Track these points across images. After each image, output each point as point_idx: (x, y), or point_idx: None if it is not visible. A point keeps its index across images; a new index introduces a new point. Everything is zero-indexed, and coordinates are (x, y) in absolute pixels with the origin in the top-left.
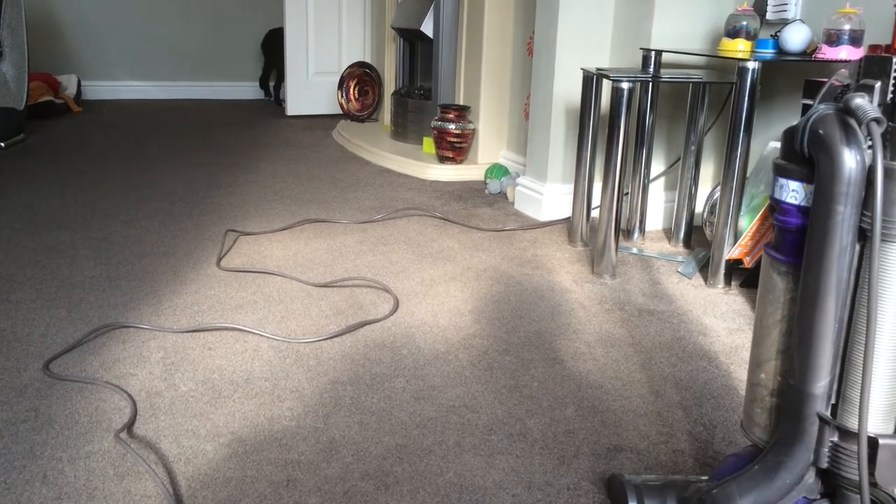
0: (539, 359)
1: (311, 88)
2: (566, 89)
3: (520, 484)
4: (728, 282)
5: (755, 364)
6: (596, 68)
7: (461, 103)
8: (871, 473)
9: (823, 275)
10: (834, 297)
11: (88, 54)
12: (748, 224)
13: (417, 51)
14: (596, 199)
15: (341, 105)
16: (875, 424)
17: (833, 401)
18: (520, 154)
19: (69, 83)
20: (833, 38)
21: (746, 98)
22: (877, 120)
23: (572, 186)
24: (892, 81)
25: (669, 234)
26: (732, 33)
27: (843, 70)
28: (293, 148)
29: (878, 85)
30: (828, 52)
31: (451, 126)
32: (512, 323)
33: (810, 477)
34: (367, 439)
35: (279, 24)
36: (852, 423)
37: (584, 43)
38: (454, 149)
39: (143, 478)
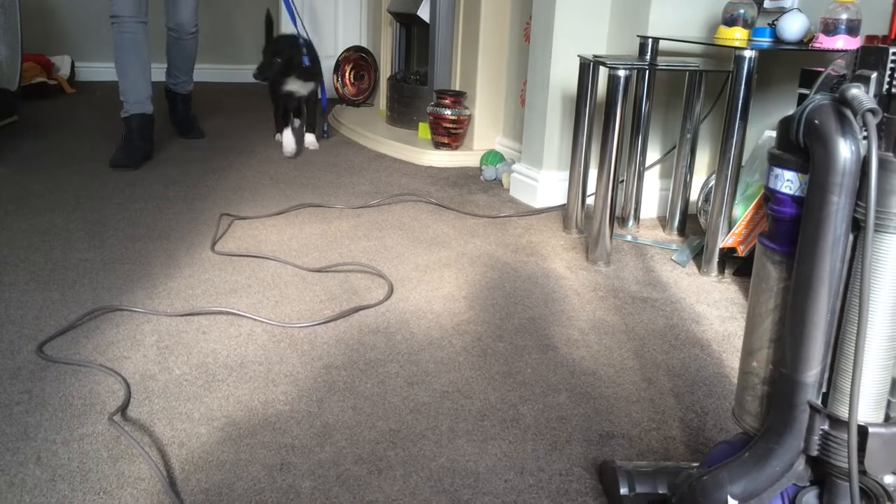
0: (532, 345)
1: None
2: (563, 76)
3: (512, 469)
4: (722, 270)
5: (747, 352)
6: (593, 55)
7: (457, 89)
8: (861, 461)
9: (817, 264)
10: (827, 286)
11: (82, 35)
12: (743, 213)
13: (414, 35)
14: (591, 187)
15: (337, 90)
16: (865, 413)
17: (824, 389)
18: (516, 141)
19: (63, 64)
20: (830, 28)
21: (743, 86)
22: (872, 111)
23: (568, 173)
24: (888, 72)
25: (664, 221)
26: (730, 21)
27: (839, 60)
28: None
29: (874, 75)
30: (825, 42)
31: (447, 112)
32: (506, 309)
33: (800, 464)
34: (361, 424)
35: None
36: (842, 412)
37: (581, 29)
38: (450, 135)
39: (137, 460)
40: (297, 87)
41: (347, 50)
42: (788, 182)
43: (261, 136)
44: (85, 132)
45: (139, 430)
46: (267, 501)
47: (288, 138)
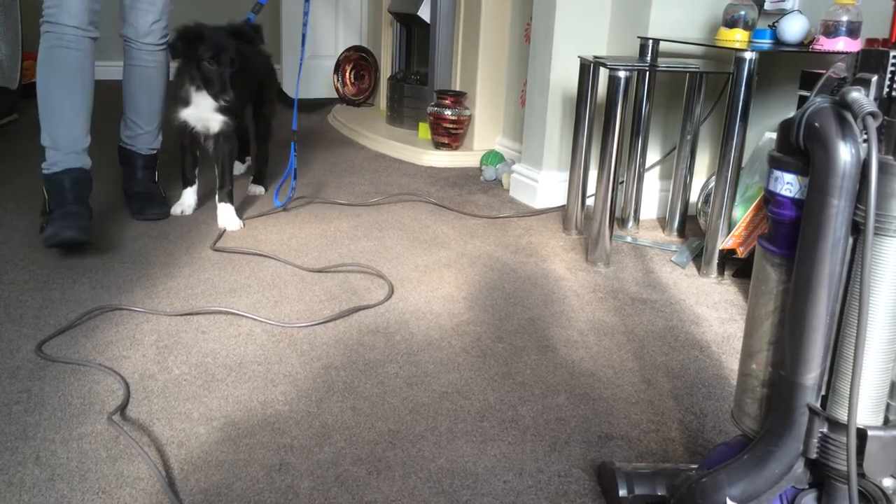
0: (532, 346)
1: (306, 72)
2: (563, 77)
3: (511, 470)
4: (721, 272)
5: (746, 354)
6: (593, 56)
7: (458, 89)
8: (860, 464)
9: (816, 267)
10: (826, 289)
11: None
12: (742, 214)
13: (414, 36)
14: (591, 188)
15: (337, 89)
16: (864, 416)
17: (823, 392)
18: (516, 141)
19: None
20: (831, 30)
21: (743, 88)
22: (872, 114)
23: (568, 174)
24: (888, 75)
25: (664, 223)
26: (730, 23)
27: (840, 63)
28: (287, 131)
29: (874, 79)
30: (825, 44)
31: (448, 112)
32: (505, 310)
33: (799, 467)
34: (360, 424)
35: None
36: (842, 415)
37: (582, 30)
38: (450, 135)
39: (136, 460)
40: (204, 113)
41: (348, 50)
42: (788, 185)
43: None
44: None
45: (138, 430)
46: (266, 502)
47: (187, 199)
